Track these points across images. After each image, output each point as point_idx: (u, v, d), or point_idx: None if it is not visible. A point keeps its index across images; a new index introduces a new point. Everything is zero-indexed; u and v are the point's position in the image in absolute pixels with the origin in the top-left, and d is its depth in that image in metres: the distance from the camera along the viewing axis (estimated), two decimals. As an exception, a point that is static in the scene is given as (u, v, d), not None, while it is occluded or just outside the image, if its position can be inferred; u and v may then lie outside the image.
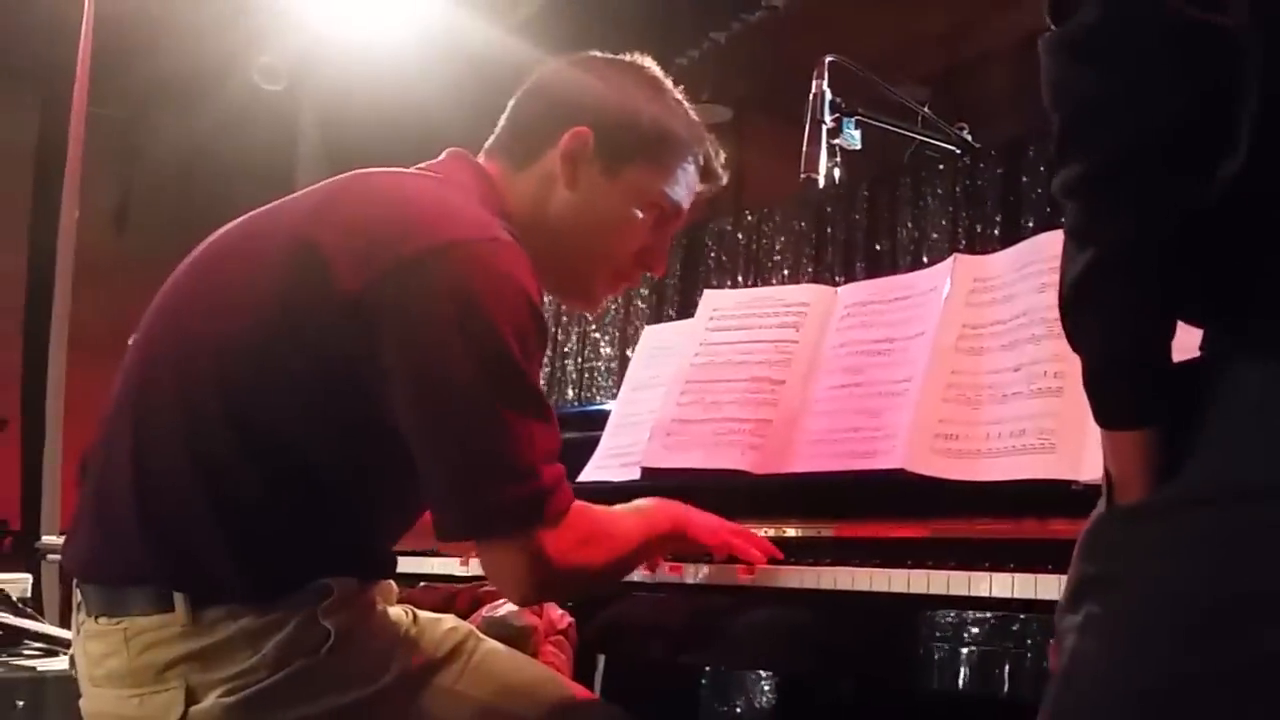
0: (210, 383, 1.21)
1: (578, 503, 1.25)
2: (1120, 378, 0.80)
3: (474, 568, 1.72)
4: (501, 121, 1.46)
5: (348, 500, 1.25)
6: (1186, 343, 0.81)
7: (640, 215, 1.41)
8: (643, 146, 1.40)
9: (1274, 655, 0.70)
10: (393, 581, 1.35)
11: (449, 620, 1.34)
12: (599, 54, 1.48)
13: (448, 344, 1.16)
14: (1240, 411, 0.74)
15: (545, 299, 1.39)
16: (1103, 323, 0.79)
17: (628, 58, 1.47)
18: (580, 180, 1.38)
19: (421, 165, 1.40)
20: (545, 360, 2.52)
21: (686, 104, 1.46)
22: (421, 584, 1.70)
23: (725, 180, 1.51)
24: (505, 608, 1.50)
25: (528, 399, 1.19)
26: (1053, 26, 0.77)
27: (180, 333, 1.28)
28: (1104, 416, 0.82)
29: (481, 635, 1.36)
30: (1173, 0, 0.71)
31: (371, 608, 1.27)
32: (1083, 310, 0.79)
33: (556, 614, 1.54)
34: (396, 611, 1.30)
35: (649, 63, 1.47)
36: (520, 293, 1.20)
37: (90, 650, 1.25)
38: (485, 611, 1.50)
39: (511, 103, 1.46)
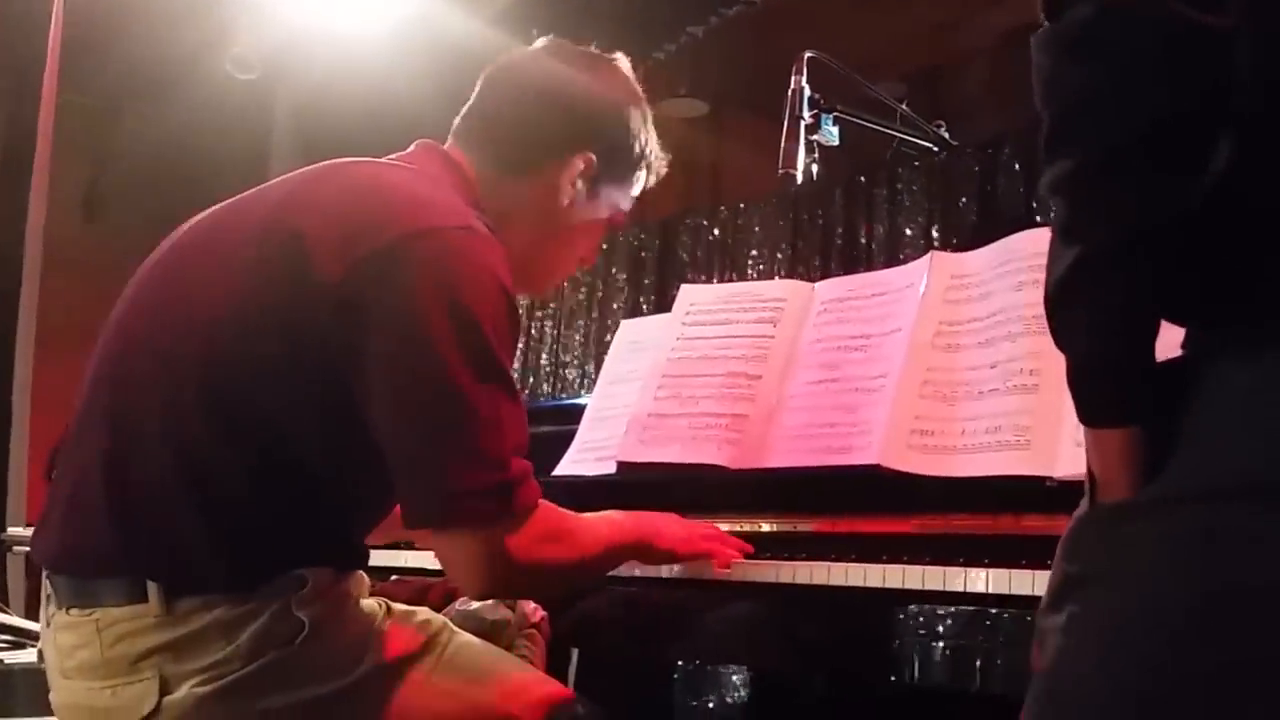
0: (192, 371, 1.20)
1: (543, 502, 1.25)
2: (1104, 376, 0.80)
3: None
4: (479, 112, 1.45)
5: (326, 490, 1.24)
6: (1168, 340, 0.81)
7: (602, 222, 1.51)
8: (626, 172, 1.49)
9: (1257, 652, 0.70)
10: (364, 574, 1.34)
11: (423, 613, 1.34)
12: (597, 55, 1.50)
13: (425, 330, 1.16)
14: (1224, 410, 0.74)
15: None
16: (1088, 321, 0.78)
17: (621, 65, 1.51)
18: (573, 197, 1.43)
19: (393, 156, 1.40)
20: (520, 353, 2.51)
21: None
22: (394, 577, 1.69)
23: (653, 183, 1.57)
24: (477, 602, 1.49)
25: (501, 389, 1.19)
26: (1046, 22, 0.76)
27: (158, 322, 1.26)
28: (1087, 415, 0.81)
29: (455, 628, 1.35)
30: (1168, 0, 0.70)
31: (345, 599, 1.26)
32: (1068, 308, 0.79)
33: (529, 608, 1.54)
34: (370, 604, 1.30)
35: (628, 68, 1.52)
36: (496, 282, 1.21)
37: (61, 642, 1.24)
38: (458, 605, 1.50)
39: (499, 95, 1.45)
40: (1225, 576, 0.71)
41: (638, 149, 1.48)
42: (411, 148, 1.42)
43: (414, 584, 1.59)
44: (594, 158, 1.42)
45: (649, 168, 1.52)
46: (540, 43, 1.50)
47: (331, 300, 1.17)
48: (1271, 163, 0.72)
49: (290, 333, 1.19)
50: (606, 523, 1.39)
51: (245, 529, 1.20)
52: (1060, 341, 0.80)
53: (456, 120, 1.46)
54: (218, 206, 1.35)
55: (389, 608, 1.31)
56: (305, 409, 1.20)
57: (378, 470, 1.21)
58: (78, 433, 1.27)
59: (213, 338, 1.21)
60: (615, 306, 2.35)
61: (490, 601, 1.49)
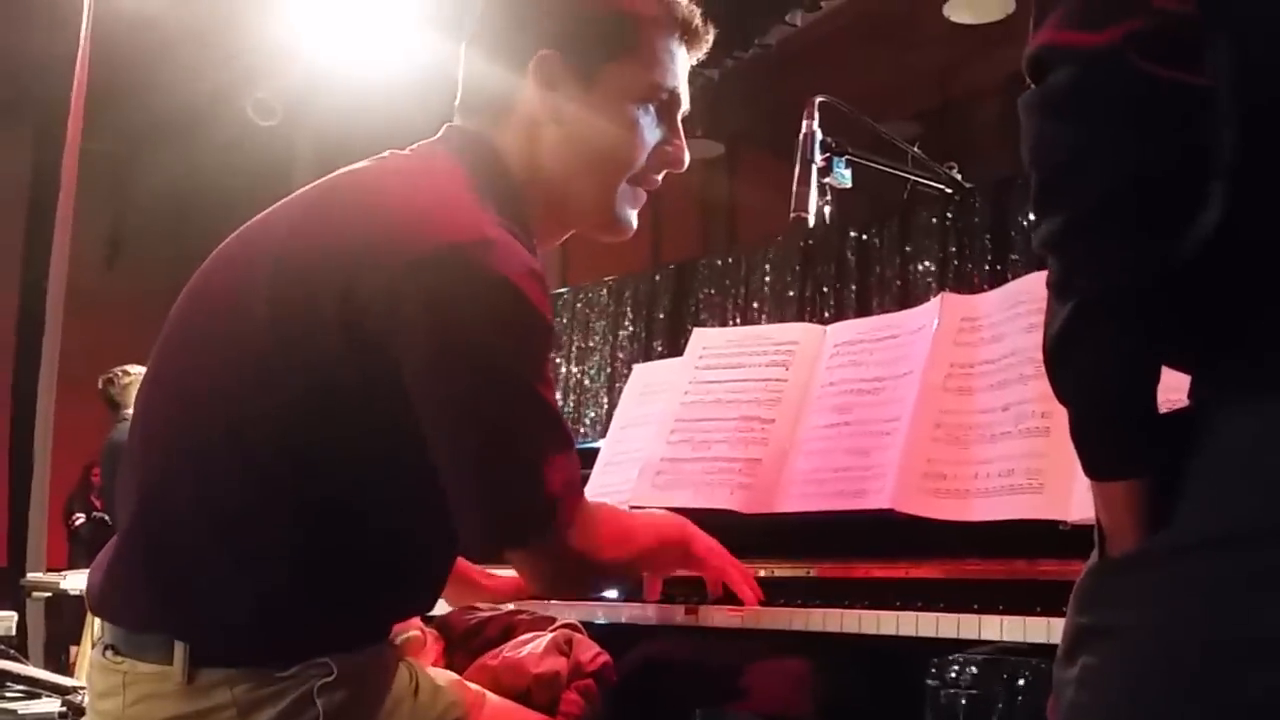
0: (219, 423, 1.17)
1: (592, 501, 1.25)
2: (1105, 429, 0.80)
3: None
4: (461, 81, 1.36)
5: (371, 553, 1.20)
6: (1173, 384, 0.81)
7: (639, 114, 1.31)
8: (610, 40, 1.29)
9: (1270, 702, 0.69)
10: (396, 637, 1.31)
11: (451, 692, 1.30)
12: None
13: (441, 364, 1.13)
14: (1230, 458, 0.74)
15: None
16: (1085, 375, 0.79)
17: None
18: (563, 106, 1.28)
19: (414, 146, 1.33)
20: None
21: None
22: (450, 608, 1.66)
23: (711, 38, 1.37)
24: (529, 647, 1.43)
25: (530, 405, 1.16)
26: (1031, 85, 0.78)
27: (179, 380, 1.24)
28: (1092, 468, 0.81)
29: (488, 698, 1.32)
30: (1142, 60, 0.72)
31: (366, 681, 1.21)
32: (1065, 363, 0.79)
33: (585, 656, 1.43)
34: (400, 678, 1.26)
35: None
36: (516, 295, 1.13)
37: (95, 683, 1.22)
38: (507, 651, 1.44)
39: (463, 59, 1.36)
40: (1235, 626, 0.71)
41: (614, 10, 1.29)
42: (440, 133, 1.34)
43: (475, 617, 1.57)
44: (549, 52, 1.27)
45: (665, 27, 1.31)
46: None
47: (350, 337, 1.13)
48: (1264, 212, 0.72)
49: (312, 371, 1.15)
50: (653, 518, 1.42)
51: (279, 595, 1.16)
52: (1061, 396, 0.81)
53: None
54: (229, 241, 1.31)
55: (417, 685, 1.27)
56: (340, 455, 1.17)
57: (422, 527, 1.21)
58: (127, 483, 1.24)
59: (230, 393, 1.18)
60: (628, 350, 2.35)
61: (539, 652, 1.42)
